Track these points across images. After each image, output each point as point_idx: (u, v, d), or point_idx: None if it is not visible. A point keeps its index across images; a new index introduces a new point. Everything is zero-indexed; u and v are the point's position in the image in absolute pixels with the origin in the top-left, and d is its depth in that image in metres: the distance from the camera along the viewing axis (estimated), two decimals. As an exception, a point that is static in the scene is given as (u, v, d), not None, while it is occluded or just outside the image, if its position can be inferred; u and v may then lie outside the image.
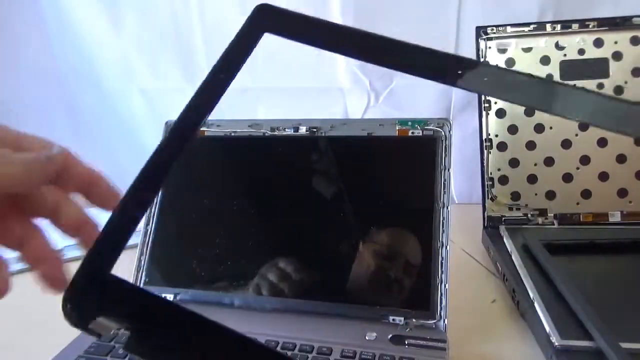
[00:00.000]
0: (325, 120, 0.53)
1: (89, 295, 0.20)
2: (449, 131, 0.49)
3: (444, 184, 0.47)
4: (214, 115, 0.25)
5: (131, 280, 0.53)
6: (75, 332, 0.47)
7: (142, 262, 0.53)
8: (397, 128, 0.51)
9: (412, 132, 0.50)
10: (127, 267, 0.54)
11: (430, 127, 0.50)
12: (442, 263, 0.45)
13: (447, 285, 0.44)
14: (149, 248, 0.53)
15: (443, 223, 0.46)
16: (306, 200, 0.52)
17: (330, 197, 0.50)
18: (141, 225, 0.54)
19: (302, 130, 0.53)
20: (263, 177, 0.54)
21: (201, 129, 0.55)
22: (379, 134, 0.51)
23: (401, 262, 0.48)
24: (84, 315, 0.20)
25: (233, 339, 0.20)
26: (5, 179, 0.22)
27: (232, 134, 0.55)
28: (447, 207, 0.47)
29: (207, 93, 0.24)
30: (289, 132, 0.54)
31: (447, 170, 0.48)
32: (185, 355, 0.20)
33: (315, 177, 0.51)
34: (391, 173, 0.51)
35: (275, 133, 0.54)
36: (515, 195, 0.63)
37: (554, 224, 0.62)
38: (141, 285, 0.52)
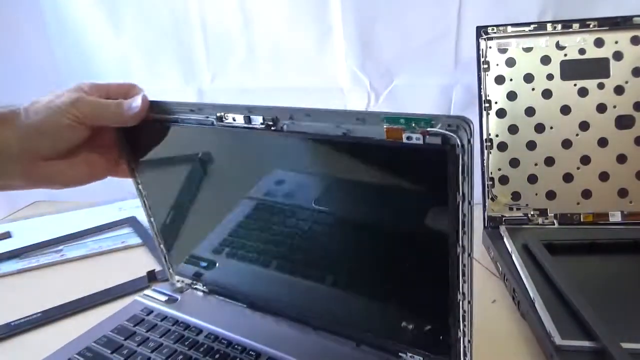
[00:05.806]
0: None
1: None
2: (469, 138, 0.29)
3: (464, 222, 0.30)
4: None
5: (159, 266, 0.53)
6: (76, 332, 0.47)
7: (163, 250, 0.52)
8: (384, 127, 0.31)
9: (409, 138, 0.31)
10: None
11: (438, 131, 0.30)
12: (464, 316, 0.34)
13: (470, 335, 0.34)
14: (160, 235, 0.52)
15: (464, 272, 0.32)
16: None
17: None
18: (144, 221, 0.54)
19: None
20: (227, 170, 0.47)
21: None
22: (358, 135, 0.33)
23: None
24: None
25: None
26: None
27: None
28: (469, 253, 0.31)
29: None
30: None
31: (467, 203, 0.30)
32: None
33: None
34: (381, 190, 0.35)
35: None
36: (516, 195, 0.63)
37: (554, 224, 0.62)
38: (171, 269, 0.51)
